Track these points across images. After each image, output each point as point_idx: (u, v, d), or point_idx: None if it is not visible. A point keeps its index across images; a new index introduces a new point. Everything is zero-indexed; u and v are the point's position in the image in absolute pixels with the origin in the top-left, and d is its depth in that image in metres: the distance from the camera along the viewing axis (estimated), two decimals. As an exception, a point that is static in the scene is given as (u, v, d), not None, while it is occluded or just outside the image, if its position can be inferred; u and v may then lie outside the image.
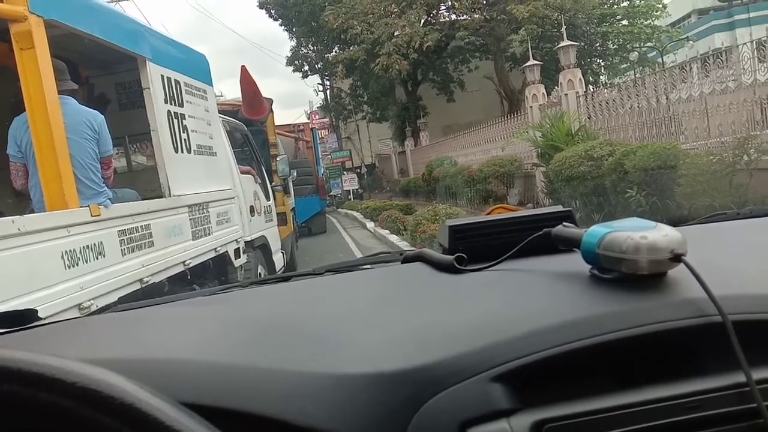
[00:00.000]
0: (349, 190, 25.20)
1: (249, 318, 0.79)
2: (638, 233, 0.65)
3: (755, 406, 0.55)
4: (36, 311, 0.92)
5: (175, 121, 4.01)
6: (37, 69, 2.74)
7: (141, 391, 0.39)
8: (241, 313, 0.84)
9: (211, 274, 4.47)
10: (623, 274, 0.66)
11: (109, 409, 0.38)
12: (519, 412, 0.56)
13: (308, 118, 33.77)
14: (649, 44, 23.31)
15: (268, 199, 6.42)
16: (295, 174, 9.86)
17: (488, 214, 1.21)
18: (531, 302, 0.71)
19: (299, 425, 0.53)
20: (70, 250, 2.66)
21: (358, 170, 30.47)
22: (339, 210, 21.77)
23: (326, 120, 35.13)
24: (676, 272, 0.65)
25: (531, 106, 12.50)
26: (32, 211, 3.11)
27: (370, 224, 13.70)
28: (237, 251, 4.92)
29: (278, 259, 6.38)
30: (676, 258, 0.63)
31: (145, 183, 4.63)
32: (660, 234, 0.65)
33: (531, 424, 0.55)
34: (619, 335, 0.59)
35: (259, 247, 5.71)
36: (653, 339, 0.60)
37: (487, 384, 0.56)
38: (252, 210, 5.58)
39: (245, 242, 5.18)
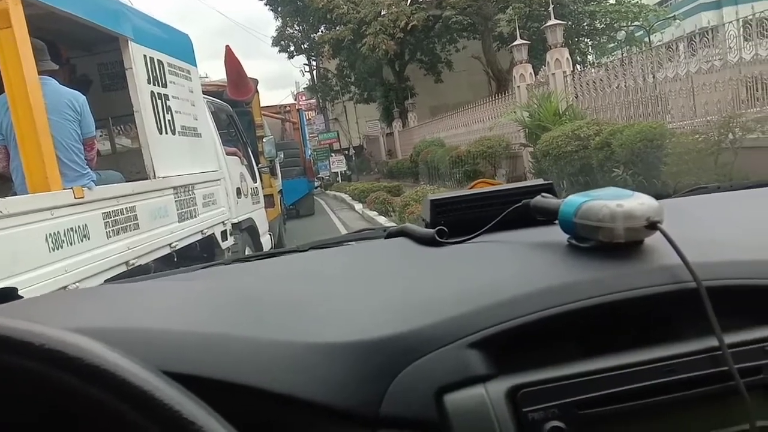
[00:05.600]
0: (337, 172, 25.13)
1: (228, 289, 0.79)
2: (614, 201, 0.65)
3: (727, 369, 0.56)
4: (16, 289, 0.91)
5: (159, 101, 3.97)
6: (16, 49, 2.69)
7: (107, 351, 0.39)
8: (221, 285, 0.84)
9: (198, 257, 4.46)
10: (600, 243, 0.66)
11: (75, 369, 0.38)
12: (495, 378, 0.56)
13: (295, 100, 33.43)
14: (636, 23, 23.26)
15: (254, 180, 6.39)
16: (282, 156, 9.81)
17: (470, 188, 1.22)
18: (508, 271, 0.71)
19: (276, 392, 0.53)
20: (54, 233, 2.64)
21: (346, 152, 30.32)
22: (327, 192, 21.70)
23: (313, 101, 34.84)
24: (653, 240, 0.66)
25: (519, 86, 12.47)
26: (15, 194, 3.08)
27: (358, 206, 13.69)
28: (224, 233, 4.91)
29: (266, 241, 6.36)
30: (652, 225, 0.64)
31: (129, 165, 4.59)
32: (636, 202, 0.65)
33: (507, 389, 0.55)
34: (594, 301, 0.60)
35: (247, 229, 5.70)
36: (629, 305, 0.60)
37: (463, 351, 0.57)
38: (239, 192, 5.55)
39: (232, 224, 5.16)
